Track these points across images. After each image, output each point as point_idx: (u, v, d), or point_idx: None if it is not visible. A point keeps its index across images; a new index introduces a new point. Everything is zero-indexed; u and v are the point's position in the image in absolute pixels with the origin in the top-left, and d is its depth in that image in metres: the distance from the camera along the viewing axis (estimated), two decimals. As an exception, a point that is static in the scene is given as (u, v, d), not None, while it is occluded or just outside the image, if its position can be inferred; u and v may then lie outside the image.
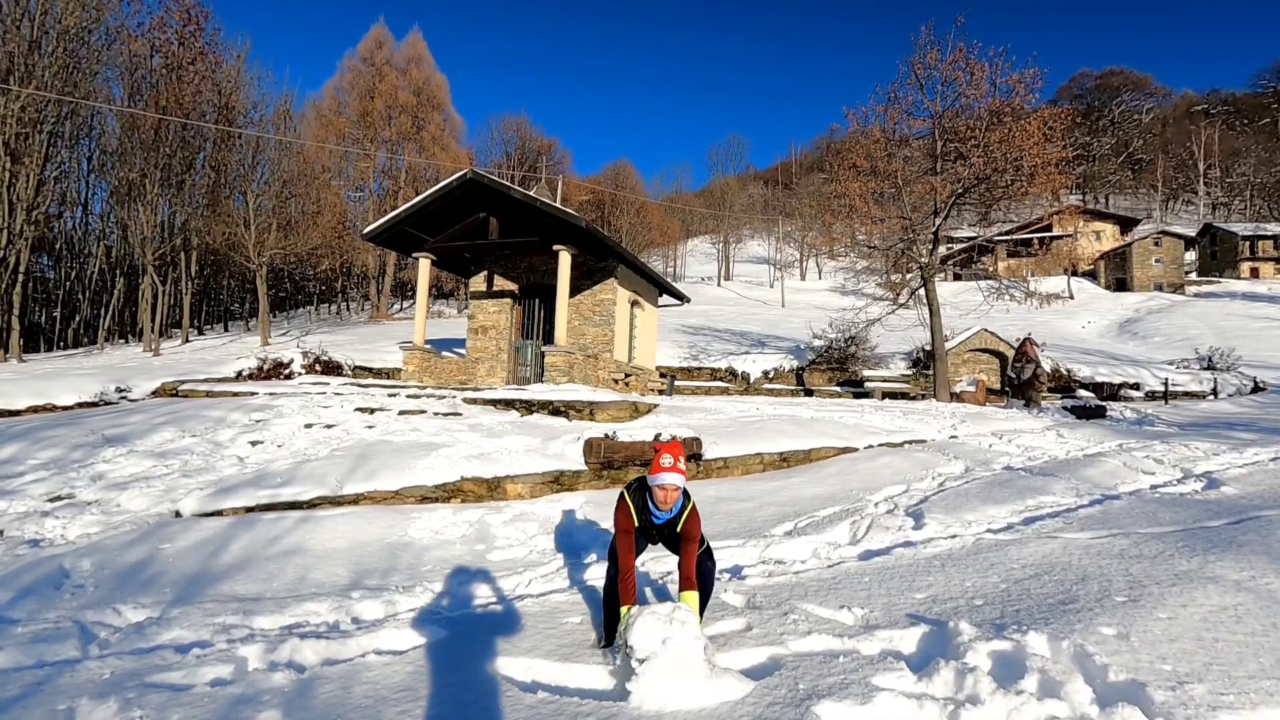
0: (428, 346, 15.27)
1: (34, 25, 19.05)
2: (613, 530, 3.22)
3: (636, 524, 3.12)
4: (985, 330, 21.08)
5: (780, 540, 4.83)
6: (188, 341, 24.69)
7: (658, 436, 7.42)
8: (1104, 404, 15.24)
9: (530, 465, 6.97)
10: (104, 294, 29.41)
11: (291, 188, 26.70)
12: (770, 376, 20.69)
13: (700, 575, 3.10)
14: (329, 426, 8.81)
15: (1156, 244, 49.85)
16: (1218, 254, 55.30)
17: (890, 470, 7.15)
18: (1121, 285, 50.19)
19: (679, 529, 3.12)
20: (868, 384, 19.26)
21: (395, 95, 37.53)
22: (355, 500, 6.26)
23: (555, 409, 9.67)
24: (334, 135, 36.22)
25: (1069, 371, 20.52)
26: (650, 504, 3.10)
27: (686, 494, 3.16)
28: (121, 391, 11.55)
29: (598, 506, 6.10)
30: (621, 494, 3.21)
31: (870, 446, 8.61)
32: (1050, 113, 15.97)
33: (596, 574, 4.33)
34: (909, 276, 17.89)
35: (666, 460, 3.04)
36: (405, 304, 45.89)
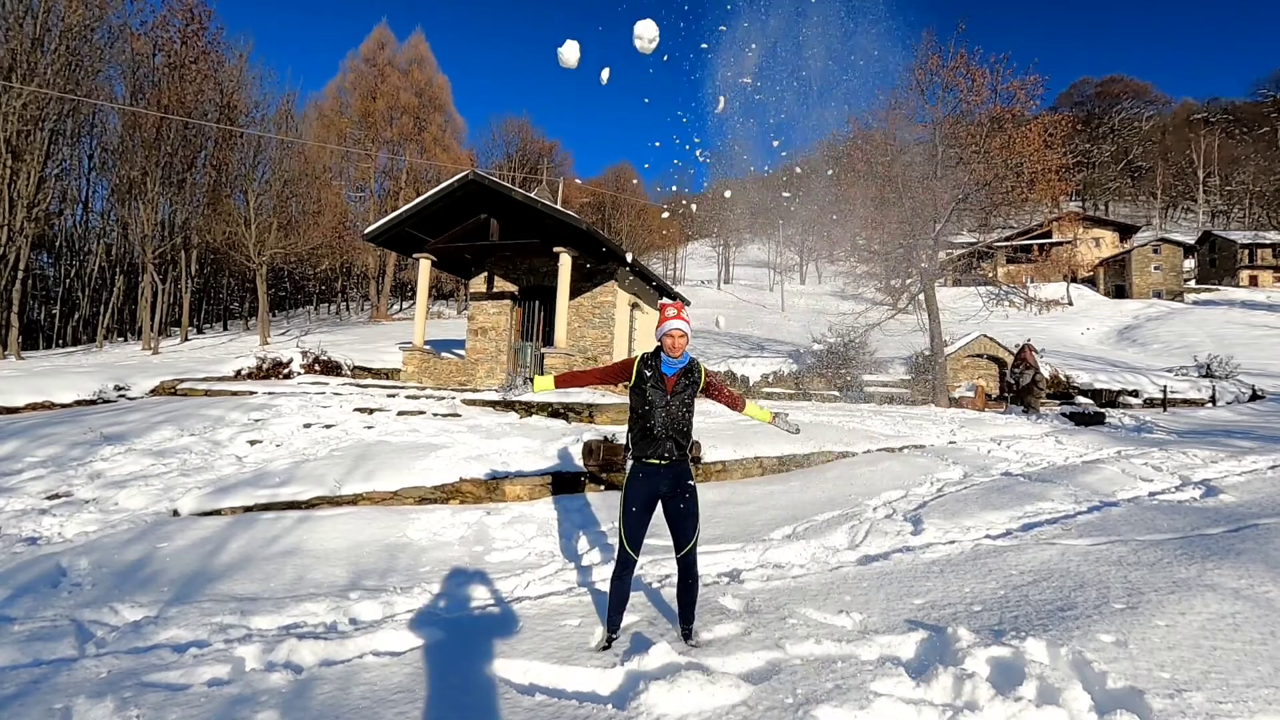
0: (427, 347, 15.29)
1: (37, 23, 19.07)
2: (617, 530, 3.21)
3: (648, 373, 3.23)
4: (984, 336, 21.07)
5: (779, 544, 4.83)
6: (187, 340, 24.66)
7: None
8: (1102, 410, 15.27)
9: (529, 467, 6.96)
10: (103, 292, 29.39)
11: (292, 187, 26.66)
12: (769, 380, 20.67)
13: (686, 585, 3.15)
14: (328, 426, 8.81)
15: (1156, 251, 49.90)
16: (1217, 262, 55.37)
17: (889, 475, 7.15)
18: (1121, 292, 50.23)
19: (701, 385, 3.30)
20: (867, 388, 19.23)
21: (397, 96, 37.60)
22: (354, 500, 6.25)
23: (555, 411, 9.67)
24: (336, 135, 36.24)
25: (1068, 378, 20.53)
26: (661, 356, 3.27)
27: (699, 365, 3.34)
28: (120, 390, 11.54)
29: (597, 509, 6.09)
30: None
31: (869, 451, 8.61)
32: (1051, 119, 16.06)
33: (596, 576, 4.32)
34: (909, 281, 17.91)
35: (671, 311, 3.27)
36: (405, 304, 45.93)
